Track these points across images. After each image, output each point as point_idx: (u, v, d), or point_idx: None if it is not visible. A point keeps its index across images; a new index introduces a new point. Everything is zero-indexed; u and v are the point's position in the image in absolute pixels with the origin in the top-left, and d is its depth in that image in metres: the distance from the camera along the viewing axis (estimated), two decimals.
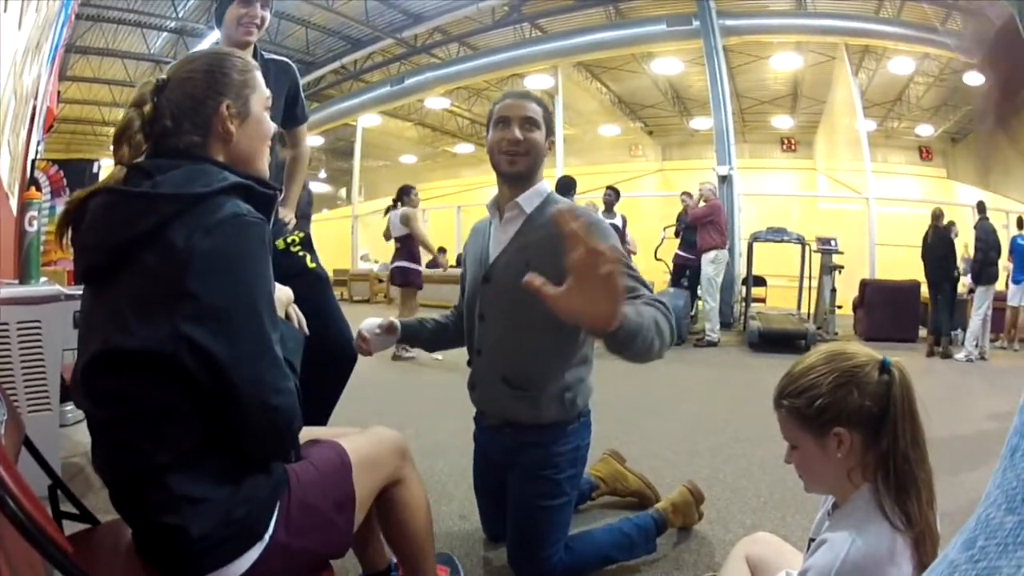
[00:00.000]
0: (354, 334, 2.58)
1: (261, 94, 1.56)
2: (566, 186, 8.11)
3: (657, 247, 11.33)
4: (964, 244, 9.66)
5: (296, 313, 1.68)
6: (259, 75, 1.58)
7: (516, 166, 2.38)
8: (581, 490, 3.00)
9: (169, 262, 1.28)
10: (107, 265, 1.35)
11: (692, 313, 10.31)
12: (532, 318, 2.21)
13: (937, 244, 9.37)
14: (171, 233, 1.29)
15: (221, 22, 2.82)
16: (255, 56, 2.88)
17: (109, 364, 1.32)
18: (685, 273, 10.44)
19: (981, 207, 9.35)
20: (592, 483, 3.16)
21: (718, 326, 9.61)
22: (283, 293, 1.64)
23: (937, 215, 9.51)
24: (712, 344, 9.38)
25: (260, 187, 1.46)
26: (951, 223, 9.53)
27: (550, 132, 2.45)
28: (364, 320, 2.55)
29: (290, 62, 3.10)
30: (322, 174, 27.32)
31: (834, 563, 1.27)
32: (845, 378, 1.39)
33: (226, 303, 1.29)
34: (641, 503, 3.10)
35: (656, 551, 2.71)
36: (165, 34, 15.66)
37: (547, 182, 2.49)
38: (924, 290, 10.33)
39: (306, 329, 1.68)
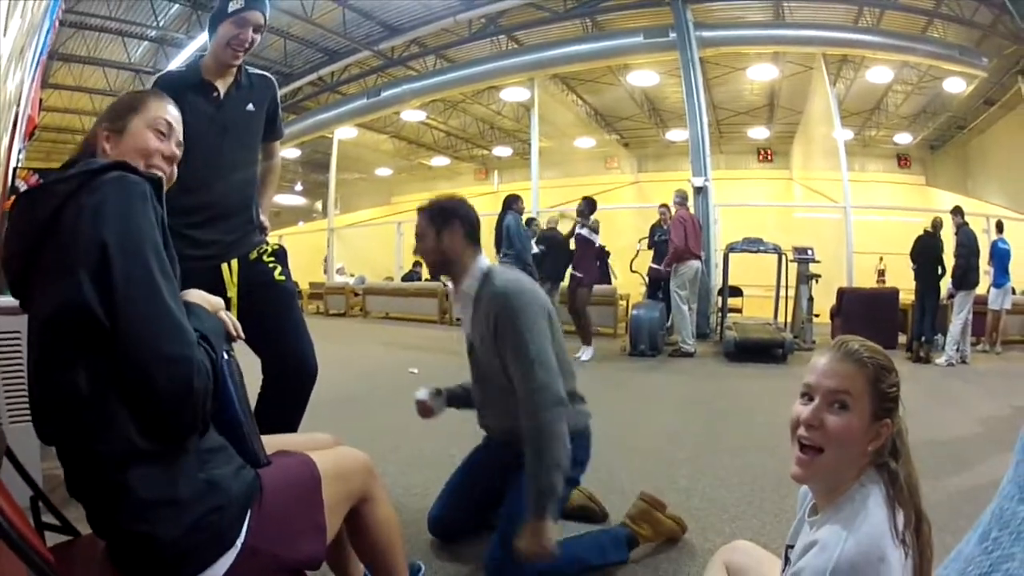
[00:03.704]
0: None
1: (147, 116, 1.71)
2: (508, 203, 8.87)
3: (632, 259, 11.38)
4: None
5: (229, 318, 1.65)
6: (159, 103, 1.75)
7: (433, 271, 2.77)
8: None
9: (68, 233, 1.35)
10: (25, 259, 1.44)
11: (668, 324, 10.34)
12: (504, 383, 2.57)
13: (937, 251, 9.55)
14: (66, 211, 1.38)
15: (214, 31, 2.79)
16: (238, 71, 2.89)
17: (43, 337, 1.38)
18: (660, 285, 10.52)
19: (959, 211, 9.46)
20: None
21: (691, 337, 9.51)
22: (213, 298, 1.64)
23: (938, 224, 9.68)
24: (688, 355, 9.34)
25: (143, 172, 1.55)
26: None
27: (442, 227, 2.65)
28: (418, 391, 2.93)
29: (271, 77, 3.10)
30: (298, 187, 27.22)
31: (828, 563, 1.26)
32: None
33: (110, 244, 1.33)
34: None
35: (626, 560, 2.75)
36: (145, 43, 15.61)
37: (480, 263, 2.69)
38: (903, 296, 10.47)
39: (241, 334, 1.67)
